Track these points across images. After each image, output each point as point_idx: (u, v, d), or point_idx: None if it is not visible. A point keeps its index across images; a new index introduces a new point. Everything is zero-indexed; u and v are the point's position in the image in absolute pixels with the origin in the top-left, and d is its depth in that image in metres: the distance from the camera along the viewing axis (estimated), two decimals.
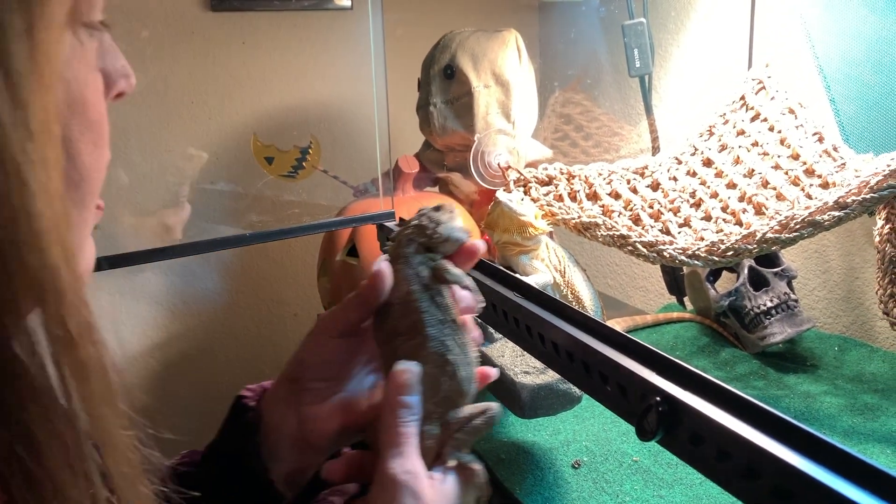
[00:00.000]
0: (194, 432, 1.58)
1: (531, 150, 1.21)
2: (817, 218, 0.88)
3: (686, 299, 1.28)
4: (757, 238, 0.91)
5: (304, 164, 1.34)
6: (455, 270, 0.55)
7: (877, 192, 0.84)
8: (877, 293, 0.98)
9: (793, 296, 1.05)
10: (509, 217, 0.93)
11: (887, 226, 0.99)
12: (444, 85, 1.23)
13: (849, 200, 0.86)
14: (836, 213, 0.87)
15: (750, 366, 1.04)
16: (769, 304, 1.04)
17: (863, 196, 0.85)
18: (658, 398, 0.48)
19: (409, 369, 0.50)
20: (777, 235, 0.90)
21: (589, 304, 1.01)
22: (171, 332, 1.65)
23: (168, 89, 1.50)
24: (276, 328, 1.73)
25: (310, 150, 1.34)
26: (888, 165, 0.86)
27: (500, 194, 0.94)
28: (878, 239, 1.00)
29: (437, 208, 0.57)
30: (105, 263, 0.80)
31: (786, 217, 0.90)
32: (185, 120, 1.54)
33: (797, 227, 0.89)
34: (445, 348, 0.52)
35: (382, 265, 0.54)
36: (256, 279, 1.68)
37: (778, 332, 1.02)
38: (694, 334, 1.16)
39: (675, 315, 1.21)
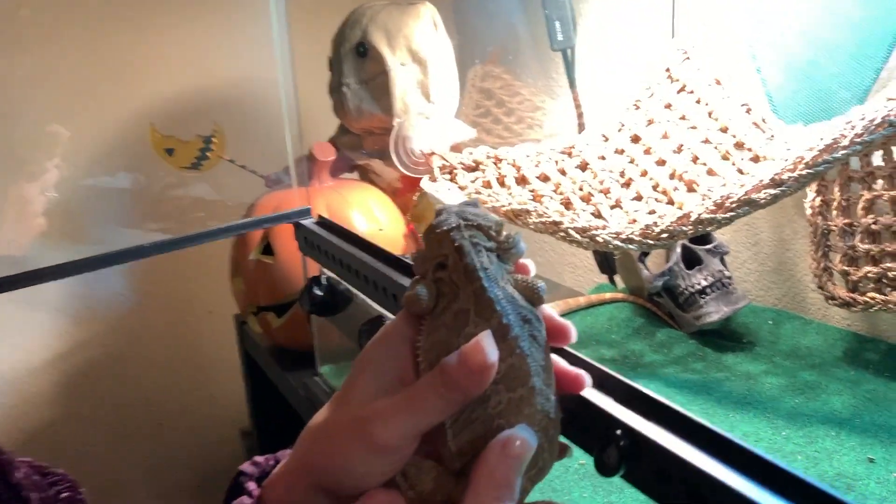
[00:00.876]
0: (106, 443, 1.47)
1: (454, 132, 1.14)
2: (753, 196, 0.84)
3: (617, 278, 1.25)
4: (692, 219, 0.88)
5: (208, 154, 1.24)
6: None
7: (812, 168, 0.81)
8: (810, 267, 0.97)
9: (727, 273, 1.03)
10: (432, 206, 0.87)
11: (818, 198, 0.98)
12: (356, 64, 1.15)
13: (784, 177, 0.83)
14: (772, 191, 0.83)
15: (687, 346, 1.02)
16: (703, 283, 1.02)
17: (798, 172, 0.82)
18: (619, 431, 0.42)
19: (525, 439, 0.39)
20: (713, 216, 0.86)
21: None
22: (76, 341, 1.53)
23: (53, 75, 1.36)
24: (189, 328, 1.62)
25: (214, 139, 1.24)
26: (822, 139, 0.84)
27: (426, 185, 0.87)
28: (809, 212, 0.98)
29: (474, 204, 0.48)
30: None
31: (721, 197, 0.87)
32: (77, 109, 1.40)
33: (733, 206, 0.85)
34: (550, 405, 0.41)
35: (490, 353, 0.39)
36: (165, 277, 1.56)
37: (714, 311, 1.00)
38: (628, 315, 1.13)
39: (608, 296, 1.18)
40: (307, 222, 0.92)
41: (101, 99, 1.40)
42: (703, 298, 1.01)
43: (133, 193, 1.32)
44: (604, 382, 0.47)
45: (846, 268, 0.93)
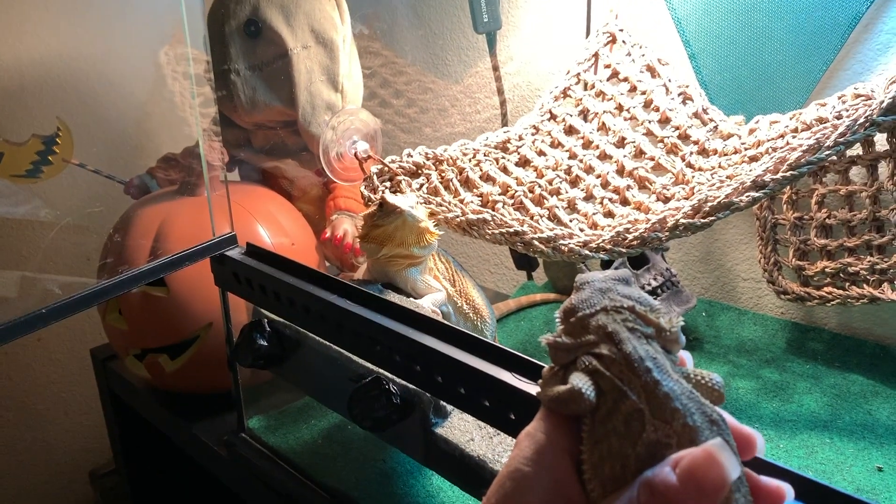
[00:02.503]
0: None
1: (373, 126, 0.99)
2: (734, 199, 0.80)
3: (535, 273, 1.19)
4: (669, 225, 0.82)
5: (49, 158, 0.98)
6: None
7: (796, 169, 0.78)
8: (759, 262, 0.96)
9: (672, 271, 0.99)
10: (410, 228, 0.73)
11: None
12: (246, 46, 0.96)
13: (766, 179, 0.79)
14: (754, 194, 0.79)
15: None
16: (654, 284, 0.97)
17: (781, 174, 0.79)
18: None
19: None
20: (690, 221, 0.81)
21: (485, 312, 0.86)
22: None
23: None
24: (13, 361, 1.33)
25: (57, 140, 0.98)
26: (800, 140, 0.81)
27: (399, 202, 0.73)
28: (756, 206, 0.97)
29: (626, 280, 0.40)
30: None
31: (699, 200, 0.81)
32: None
33: (711, 210, 0.80)
34: None
35: (729, 467, 0.31)
36: None
37: (665, 313, 0.96)
38: None
39: (538, 297, 1.10)
40: (234, 253, 0.74)
41: None
42: (654, 299, 0.97)
43: None
44: (808, 492, 0.39)
45: (799, 262, 0.92)
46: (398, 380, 0.60)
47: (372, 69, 1.24)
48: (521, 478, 0.36)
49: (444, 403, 0.59)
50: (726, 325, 1.03)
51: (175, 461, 1.13)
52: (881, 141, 0.86)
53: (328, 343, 0.68)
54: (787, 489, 0.36)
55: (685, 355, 0.41)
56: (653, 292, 0.97)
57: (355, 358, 0.66)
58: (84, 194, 1.01)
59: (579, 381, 0.37)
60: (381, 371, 0.61)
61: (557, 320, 0.41)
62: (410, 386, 0.59)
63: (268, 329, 0.71)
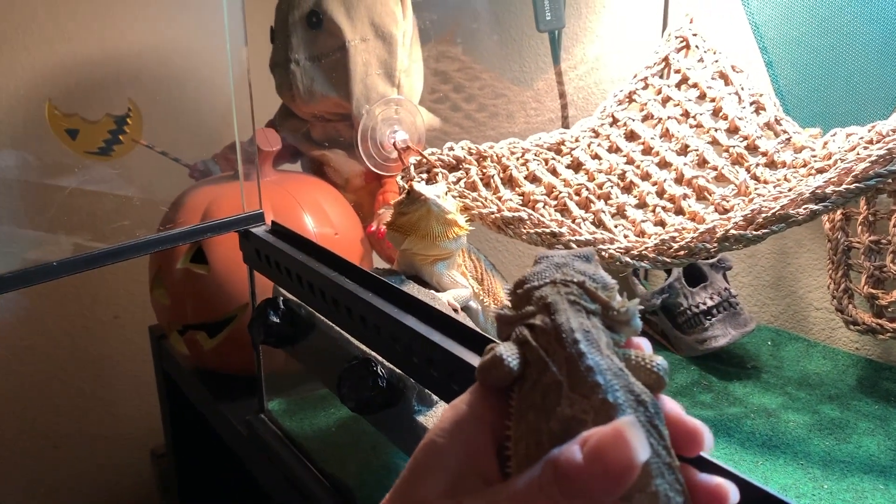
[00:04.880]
0: None
1: (425, 122, 0.98)
2: (790, 212, 0.73)
3: None
4: (718, 235, 0.76)
5: (120, 137, 1.03)
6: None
7: (862, 181, 0.71)
8: (828, 288, 0.87)
9: (733, 292, 0.92)
10: (436, 218, 0.71)
11: (840, 211, 0.88)
12: (308, 37, 0.97)
13: (828, 191, 0.72)
14: (813, 207, 0.72)
15: (689, 374, 0.91)
16: (709, 303, 0.91)
17: (845, 186, 0.71)
18: None
19: None
20: (742, 232, 0.75)
21: None
22: None
23: None
24: (91, 335, 1.40)
25: (128, 120, 1.03)
26: (868, 149, 0.73)
27: (425, 190, 0.71)
28: (828, 226, 0.89)
29: (587, 257, 0.37)
30: None
31: (752, 211, 0.75)
32: None
33: (765, 222, 0.74)
34: None
35: (638, 448, 0.28)
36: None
37: (721, 335, 0.89)
38: None
39: None
40: (259, 231, 0.74)
41: None
42: (709, 320, 0.90)
43: (25, 184, 1.09)
44: (751, 497, 0.34)
45: (872, 290, 0.83)
46: (388, 364, 0.58)
47: (447, 73, 1.24)
48: (433, 450, 0.34)
49: (430, 392, 0.57)
50: (792, 356, 0.94)
51: (220, 446, 1.15)
52: None
53: (334, 325, 0.67)
54: (732, 490, 0.32)
55: (643, 343, 0.37)
56: (707, 312, 0.90)
57: (356, 342, 0.64)
58: (153, 172, 1.05)
59: (503, 348, 0.34)
60: (372, 353, 0.60)
61: (506, 292, 0.39)
62: (397, 371, 0.57)
63: (282, 307, 0.71)
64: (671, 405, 0.34)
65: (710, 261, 0.94)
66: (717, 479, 0.32)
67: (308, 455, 0.76)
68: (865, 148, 0.75)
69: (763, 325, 1.02)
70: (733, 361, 0.93)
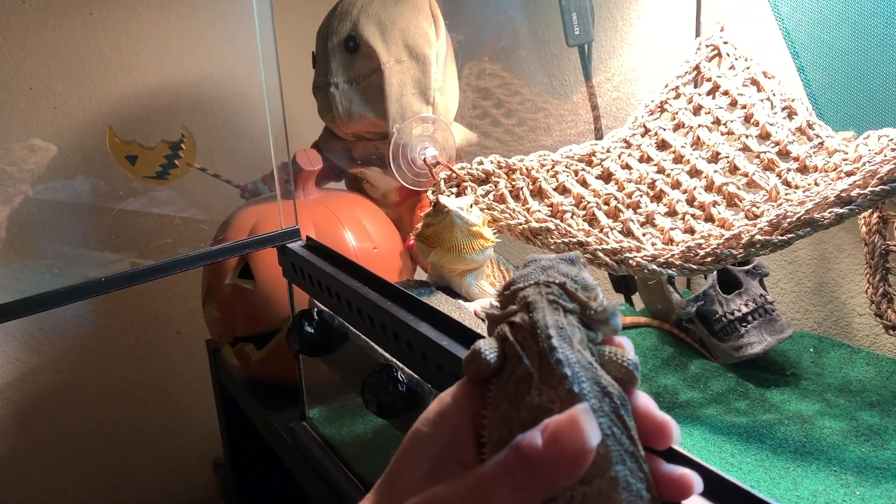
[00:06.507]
0: (63, 479, 1.31)
1: (457, 138, 1.02)
2: (816, 216, 0.73)
3: (635, 297, 1.14)
4: (743, 241, 0.76)
5: (175, 161, 1.09)
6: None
7: (888, 183, 0.70)
8: (866, 292, 0.86)
9: (769, 298, 0.91)
10: (460, 230, 0.74)
11: (875, 214, 0.87)
12: (346, 60, 1.02)
13: (854, 194, 0.72)
14: (839, 210, 0.72)
15: (725, 381, 0.90)
16: (744, 310, 0.90)
17: (870, 189, 0.71)
18: None
19: None
20: (767, 238, 0.75)
21: None
22: (28, 367, 1.37)
23: None
24: (155, 349, 1.47)
25: (182, 145, 1.09)
26: (893, 151, 0.73)
27: (449, 202, 0.74)
28: (864, 230, 0.88)
29: (571, 260, 0.40)
30: None
31: (777, 216, 0.75)
32: (23, 110, 1.25)
33: (791, 227, 0.74)
34: (641, 502, 0.33)
35: (589, 433, 0.30)
36: (127, 293, 1.41)
37: (756, 342, 0.89)
38: (654, 343, 1.01)
39: (629, 320, 1.06)
40: (295, 246, 0.79)
41: (55, 99, 1.25)
42: (744, 327, 0.90)
43: (90, 208, 1.16)
44: (715, 487, 0.35)
45: None
46: (408, 370, 0.61)
47: (488, 89, 1.27)
48: (417, 437, 0.37)
49: None
50: (834, 362, 0.93)
51: (272, 454, 1.20)
52: None
53: (360, 334, 0.70)
54: (696, 480, 0.34)
55: (625, 343, 0.39)
56: (742, 319, 0.90)
57: (380, 350, 0.67)
58: (206, 194, 1.11)
59: (483, 343, 0.37)
60: (393, 360, 0.63)
61: (495, 294, 0.41)
62: (415, 377, 0.60)
63: (315, 318, 0.75)
64: (644, 400, 0.36)
65: (746, 267, 0.93)
66: (682, 469, 0.34)
67: (345, 460, 0.79)
68: (893, 150, 0.74)
69: (805, 332, 1.01)
70: (772, 369, 0.93)
